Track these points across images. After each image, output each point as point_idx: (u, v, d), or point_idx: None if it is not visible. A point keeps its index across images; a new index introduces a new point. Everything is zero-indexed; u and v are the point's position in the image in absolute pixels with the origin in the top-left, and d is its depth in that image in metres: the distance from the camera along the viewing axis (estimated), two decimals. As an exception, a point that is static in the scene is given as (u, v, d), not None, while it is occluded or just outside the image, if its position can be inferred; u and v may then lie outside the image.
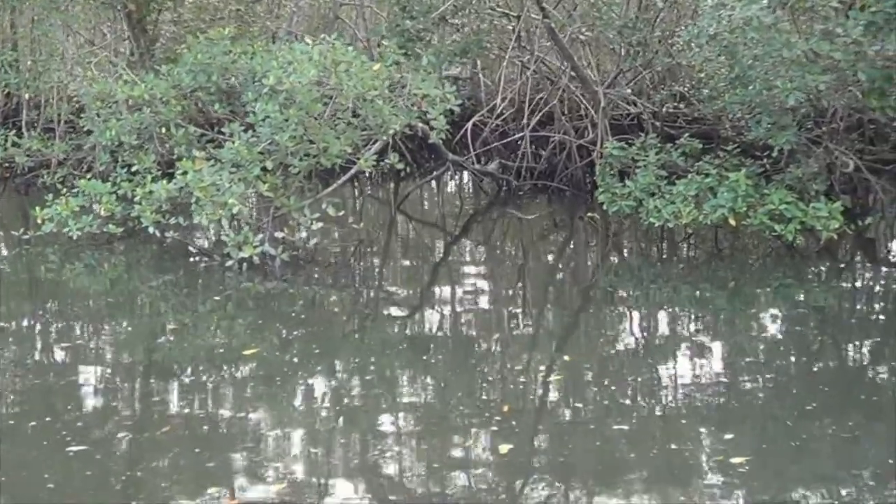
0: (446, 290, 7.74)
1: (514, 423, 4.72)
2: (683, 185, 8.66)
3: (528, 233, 10.16)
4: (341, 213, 8.71)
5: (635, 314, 7.07)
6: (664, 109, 11.68)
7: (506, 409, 4.89)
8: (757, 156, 9.28)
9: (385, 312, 7.02)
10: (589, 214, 10.26)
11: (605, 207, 9.45)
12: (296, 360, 5.84)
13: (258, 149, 7.79)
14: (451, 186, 14.04)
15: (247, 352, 5.84)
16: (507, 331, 6.53)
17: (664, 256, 9.17)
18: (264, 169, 7.86)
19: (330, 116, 7.99)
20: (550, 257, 9.39)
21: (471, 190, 13.53)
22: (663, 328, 6.75)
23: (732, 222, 8.32)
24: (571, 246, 9.83)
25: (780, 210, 8.06)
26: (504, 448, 4.41)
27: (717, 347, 6.11)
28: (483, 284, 7.93)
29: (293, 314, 6.89)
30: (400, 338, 6.34)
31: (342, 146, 7.97)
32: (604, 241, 9.72)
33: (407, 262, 8.96)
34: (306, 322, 6.69)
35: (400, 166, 8.93)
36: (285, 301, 7.28)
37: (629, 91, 11.82)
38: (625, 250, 9.53)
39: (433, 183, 13.26)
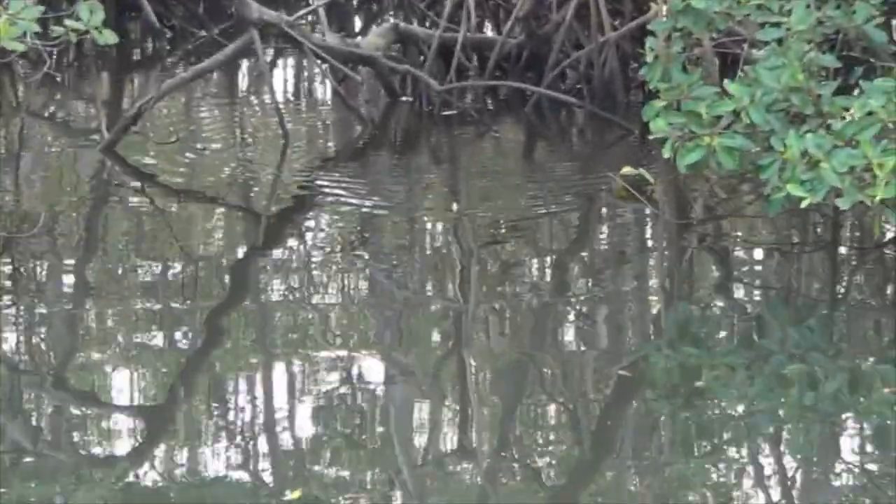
0: (247, 383, 8.14)
1: None
2: (877, 98, 8.77)
3: (471, 224, 10.69)
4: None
5: (741, 447, 7.22)
6: None
7: None
8: None
9: (59, 445, 7.08)
10: (625, 173, 10.54)
11: (668, 156, 9.44)
12: None
13: None
14: (264, 96, 14.00)
15: None
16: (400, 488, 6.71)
17: (825, 290, 9.62)
18: None
19: None
20: (531, 293, 9.69)
21: (320, 99, 13.85)
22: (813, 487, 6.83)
23: None
24: (587, 259, 10.34)
25: None
26: None
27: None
28: (345, 362, 8.31)
29: None
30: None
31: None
32: (671, 245, 10.27)
33: (142, 304, 9.24)
34: None
35: (112, 40, 9.22)
36: None
37: None
38: (723, 273, 9.97)
39: (220, 79, 13.60)
